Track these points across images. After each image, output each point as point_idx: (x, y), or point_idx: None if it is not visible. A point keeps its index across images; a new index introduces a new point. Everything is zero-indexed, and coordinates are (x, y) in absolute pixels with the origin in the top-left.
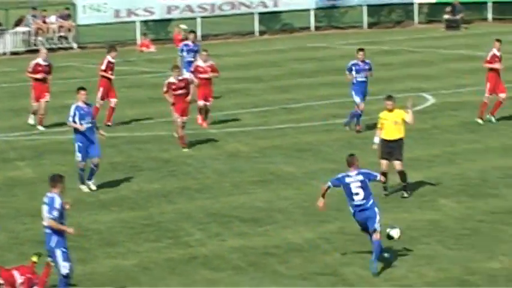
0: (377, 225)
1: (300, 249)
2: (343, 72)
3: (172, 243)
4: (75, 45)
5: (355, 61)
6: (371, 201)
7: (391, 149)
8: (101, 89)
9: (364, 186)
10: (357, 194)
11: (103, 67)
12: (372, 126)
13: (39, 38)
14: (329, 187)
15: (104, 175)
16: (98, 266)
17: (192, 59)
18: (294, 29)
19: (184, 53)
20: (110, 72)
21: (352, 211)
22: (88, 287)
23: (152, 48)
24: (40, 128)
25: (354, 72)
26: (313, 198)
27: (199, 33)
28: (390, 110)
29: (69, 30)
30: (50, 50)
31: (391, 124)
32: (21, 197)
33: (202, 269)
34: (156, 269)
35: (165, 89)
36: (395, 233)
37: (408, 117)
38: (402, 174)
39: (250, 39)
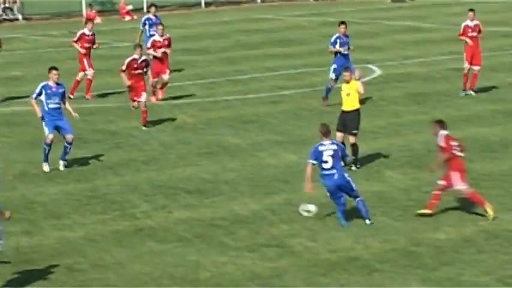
0: (355, 189)
1: (246, 221)
2: (289, 44)
3: (119, 215)
4: (20, 17)
5: (337, 34)
6: (341, 172)
7: (345, 120)
8: (84, 60)
9: (334, 155)
10: (326, 162)
11: (74, 38)
12: (319, 98)
13: None
14: (313, 164)
15: None
16: (44, 238)
17: (155, 33)
18: (240, 1)
19: (147, 27)
20: (85, 44)
21: (322, 180)
22: (34, 260)
23: (98, 20)
24: None
25: (337, 46)
26: (259, 170)
27: (144, 5)
28: (347, 82)
29: (14, 1)
30: None
31: (345, 95)
32: None
33: (148, 241)
34: (102, 241)
35: (124, 67)
36: (312, 207)
37: (359, 87)
38: (355, 148)
39: (197, 10)
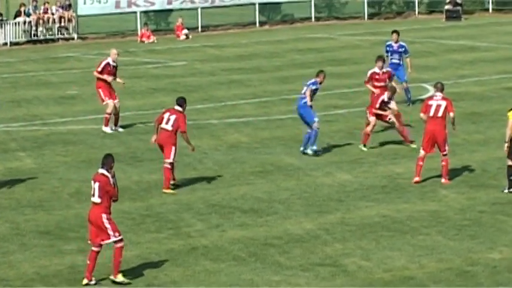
0: None
1: (300, 240)
2: (343, 63)
3: (173, 234)
4: (75, 36)
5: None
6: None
7: None
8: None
9: None
10: None
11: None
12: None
13: (40, 29)
14: None
15: None
16: (99, 257)
17: (397, 61)
18: (294, 20)
19: (389, 55)
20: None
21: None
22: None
23: (153, 39)
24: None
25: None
26: (313, 189)
27: (199, 24)
28: None
29: (70, 20)
30: (51, 40)
31: None
32: (22, 188)
33: (203, 260)
34: (156, 259)
35: None
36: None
37: None
38: None
39: (251, 29)
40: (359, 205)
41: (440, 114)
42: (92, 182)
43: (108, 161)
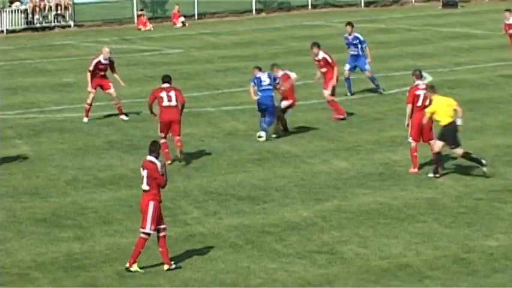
0: None
1: (297, 228)
2: (340, 50)
3: (170, 221)
4: (72, 24)
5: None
6: None
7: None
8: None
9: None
10: None
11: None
12: (370, 104)
13: (36, 16)
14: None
15: (101, 153)
16: (95, 244)
17: (355, 52)
18: (291, 7)
19: (348, 47)
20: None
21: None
22: (85, 266)
23: (149, 27)
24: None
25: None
26: (310, 176)
27: (195, 12)
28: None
29: (67, 8)
30: (47, 28)
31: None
32: (19, 175)
33: (199, 247)
34: (153, 247)
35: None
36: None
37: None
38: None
39: (248, 17)
40: (356, 192)
41: (427, 103)
42: (141, 169)
43: (155, 147)
